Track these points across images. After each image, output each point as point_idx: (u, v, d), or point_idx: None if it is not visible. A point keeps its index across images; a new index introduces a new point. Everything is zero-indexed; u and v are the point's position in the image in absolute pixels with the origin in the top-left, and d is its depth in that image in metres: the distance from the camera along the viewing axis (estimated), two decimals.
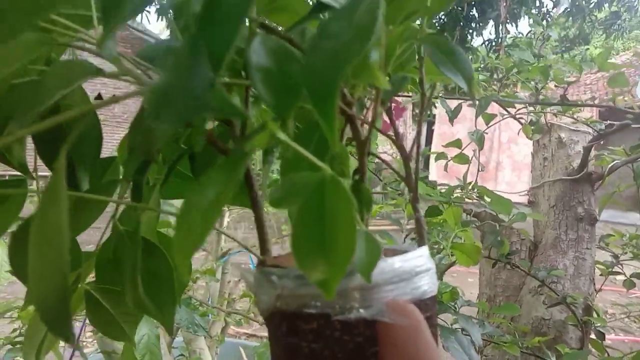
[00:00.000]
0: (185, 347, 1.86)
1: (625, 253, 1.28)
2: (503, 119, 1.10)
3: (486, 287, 1.14)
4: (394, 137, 0.40)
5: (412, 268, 0.35)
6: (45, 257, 0.26)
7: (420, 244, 0.39)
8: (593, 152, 1.13)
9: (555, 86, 1.05)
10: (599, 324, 1.01)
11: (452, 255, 0.67)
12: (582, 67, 0.95)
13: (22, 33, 0.27)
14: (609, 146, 1.19)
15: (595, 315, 1.05)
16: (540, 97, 1.08)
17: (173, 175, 0.48)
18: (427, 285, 0.36)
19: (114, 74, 0.39)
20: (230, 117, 0.19)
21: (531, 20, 7.37)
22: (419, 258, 0.36)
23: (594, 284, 1.15)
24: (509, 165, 4.77)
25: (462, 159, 1.09)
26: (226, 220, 1.93)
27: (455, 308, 0.64)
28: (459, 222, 0.71)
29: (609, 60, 0.99)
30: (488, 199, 0.99)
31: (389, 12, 0.31)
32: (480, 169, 1.01)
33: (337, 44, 0.22)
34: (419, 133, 0.39)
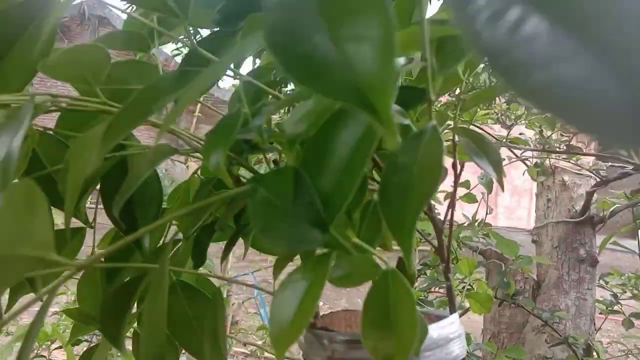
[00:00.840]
0: None
1: (625, 292, 1.33)
2: (510, 162, 1.16)
3: (490, 323, 1.18)
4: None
5: (447, 335, 0.40)
6: (151, 331, 0.31)
7: (452, 310, 0.44)
8: (595, 195, 1.18)
9: (561, 135, 1.12)
10: None
11: (464, 302, 0.71)
12: None
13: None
14: (611, 189, 1.24)
15: (595, 355, 1.10)
16: (546, 140, 1.14)
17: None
18: (459, 349, 0.40)
19: (186, 151, 0.44)
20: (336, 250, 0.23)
21: None
22: (452, 325, 0.41)
23: (594, 324, 1.20)
24: (508, 191, 4.81)
25: (470, 198, 1.14)
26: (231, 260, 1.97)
27: (468, 352, 0.68)
28: (473, 271, 0.76)
29: None
30: (494, 240, 1.03)
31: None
32: (488, 212, 1.06)
33: (410, 180, 0.26)
34: (452, 207, 0.44)
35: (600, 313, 1.27)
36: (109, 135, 0.32)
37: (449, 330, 0.40)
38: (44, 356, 1.18)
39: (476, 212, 1.07)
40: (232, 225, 0.51)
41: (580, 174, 1.24)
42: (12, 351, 1.29)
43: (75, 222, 0.53)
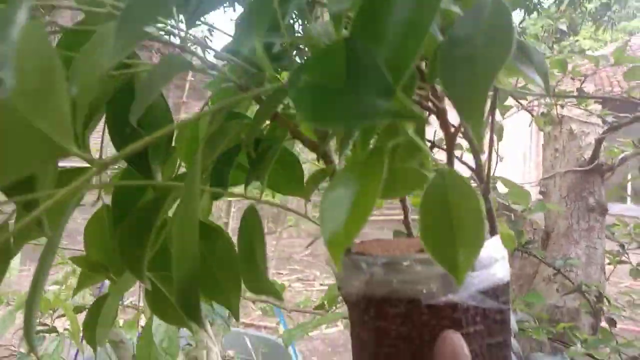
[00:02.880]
0: (192, 336, 1.88)
1: (631, 242, 1.32)
2: (518, 111, 1.13)
3: None
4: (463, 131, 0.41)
5: (490, 256, 0.37)
6: (183, 246, 0.28)
7: (493, 233, 0.41)
8: (603, 145, 1.16)
9: (572, 78, 1.08)
10: (611, 312, 1.05)
11: None
12: (599, 61, 0.97)
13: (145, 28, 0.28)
14: (619, 138, 1.22)
15: (606, 302, 1.09)
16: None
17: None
18: (503, 272, 0.38)
19: (200, 67, 0.40)
20: (407, 120, 0.20)
21: (522, 12, 7.44)
22: (495, 247, 0.38)
23: (605, 273, 1.19)
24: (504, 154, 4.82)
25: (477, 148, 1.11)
26: (232, 210, 1.94)
27: None
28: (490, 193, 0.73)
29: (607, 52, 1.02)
30: (505, 190, 1.01)
31: None
32: (499, 160, 1.03)
33: (476, 51, 0.23)
34: (492, 125, 0.41)
35: (609, 263, 1.26)
36: (123, 29, 0.28)
37: (492, 251, 0.37)
38: (47, 324, 1.16)
39: (488, 162, 1.03)
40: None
41: (588, 122, 1.22)
42: (15, 321, 1.26)
43: (78, 163, 0.49)
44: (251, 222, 0.36)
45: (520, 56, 0.38)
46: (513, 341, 0.64)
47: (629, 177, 1.18)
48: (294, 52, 0.35)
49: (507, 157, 1.31)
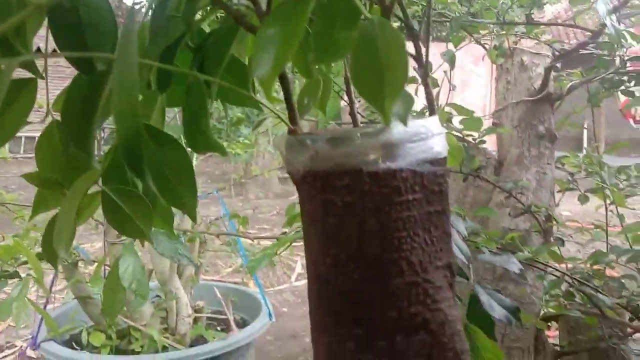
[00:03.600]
0: (161, 288, 1.90)
1: (580, 172, 1.39)
2: (470, 42, 1.15)
3: (455, 203, 1.21)
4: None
5: (429, 130, 0.39)
6: (123, 101, 0.29)
7: (431, 112, 0.43)
8: (553, 74, 1.20)
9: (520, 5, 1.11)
10: (559, 231, 1.12)
11: None
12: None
13: None
14: (568, 69, 1.27)
15: (555, 223, 1.15)
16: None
17: (174, 84, 0.49)
18: (440, 147, 0.40)
19: None
20: None
21: None
22: (432, 123, 0.40)
23: (554, 197, 1.25)
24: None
25: (431, 82, 1.13)
26: (194, 161, 1.93)
27: None
28: (443, 124, 0.76)
29: None
30: (459, 119, 1.04)
31: None
32: (451, 89, 1.06)
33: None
34: (428, 12, 0.43)
35: (559, 191, 1.33)
36: None
37: (430, 126, 0.39)
38: (7, 270, 1.15)
39: (438, 94, 1.07)
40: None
41: (538, 54, 1.25)
42: None
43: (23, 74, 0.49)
44: (195, 94, 0.37)
45: None
46: (462, 244, 0.68)
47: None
48: None
49: (470, 102, 1.34)
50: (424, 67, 0.42)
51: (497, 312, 0.60)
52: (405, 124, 0.33)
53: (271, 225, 5.20)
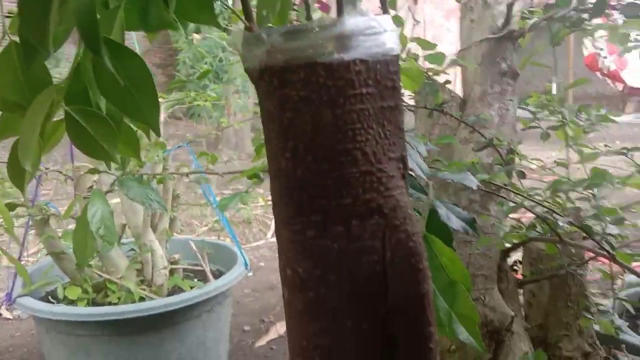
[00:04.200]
0: (135, 242, 1.90)
1: (542, 111, 1.43)
2: None
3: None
4: None
5: (381, 26, 0.41)
6: None
7: (384, 12, 0.45)
8: (515, 8, 1.22)
9: None
10: (521, 164, 1.16)
11: None
12: None
13: None
14: (532, 7, 1.28)
15: (517, 156, 1.19)
16: None
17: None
18: (393, 43, 0.42)
19: None
20: None
21: None
22: (385, 20, 0.41)
23: (516, 132, 1.29)
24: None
25: (397, 20, 1.14)
26: (163, 115, 1.91)
27: None
28: (404, 44, 0.77)
29: None
30: (423, 52, 1.06)
31: None
32: (415, 23, 1.07)
33: None
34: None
35: (522, 129, 1.37)
36: None
37: (383, 22, 0.41)
38: None
39: (402, 28, 1.07)
40: None
41: None
42: None
43: None
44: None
45: None
46: (421, 162, 0.70)
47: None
48: None
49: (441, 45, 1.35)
50: None
51: (454, 222, 0.63)
52: (355, 6, 0.34)
53: (245, 186, 5.19)
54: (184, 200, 2.20)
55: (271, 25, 0.48)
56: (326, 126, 0.39)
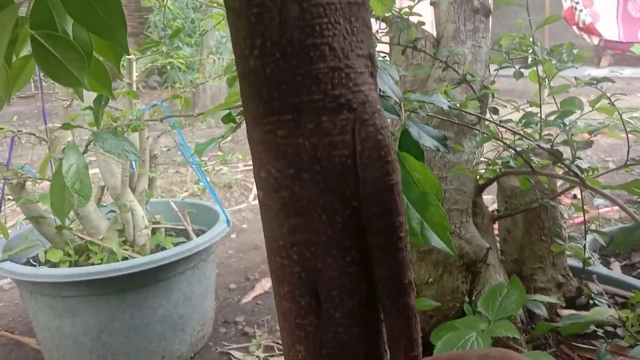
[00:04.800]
0: (115, 203, 1.89)
1: (516, 50, 1.44)
2: None
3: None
4: None
5: None
6: None
7: None
8: None
9: None
10: (493, 101, 1.18)
11: None
12: None
13: None
14: None
15: (490, 95, 1.21)
16: None
17: None
18: None
19: None
20: None
21: None
22: None
23: (489, 70, 1.30)
24: None
25: None
26: (135, 72, 1.87)
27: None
28: None
29: None
30: None
31: None
32: None
33: None
34: None
35: (495, 69, 1.38)
36: None
37: None
38: None
39: None
40: None
41: None
42: None
43: None
44: None
45: None
46: (393, 85, 0.71)
47: None
48: None
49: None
50: None
51: (426, 140, 0.64)
52: None
53: (225, 152, 5.17)
54: (162, 161, 2.18)
55: None
56: (294, 20, 0.39)
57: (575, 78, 1.16)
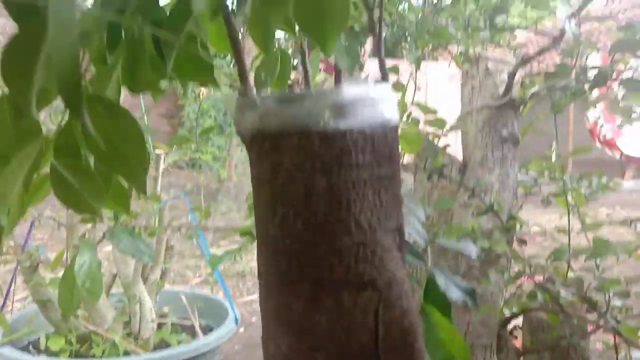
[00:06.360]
0: (124, 293, 1.85)
1: (544, 177, 1.42)
2: (437, 49, 1.18)
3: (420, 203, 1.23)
4: None
5: (380, 95, 0.40)
6: (61, 42, 0.28)
7: (384, 80, 0.44)
8: (517, 76, 1.24)
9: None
10: (521, 232, 1.14)
11: None
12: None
13: None
14: (531, 75, 1.30)
15: (518, 224, 1.17)
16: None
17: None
18: (391, 113, 0.41)
19: None
20: None
21: None
22: (384, 89, 0.41)
23: (517, 198, 1.28)
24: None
25: (398, 86, 1.16)
26: (163, 166, 1.90)
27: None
28: (404, 110, 0.77)
29: None
30: (424, 116, 1.06)
31: None
32: (417, 89, 1.08)
33: None
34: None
35: (524, 193, 1.36)
36: None
37: (381, 92, 0.40)
38: None
39: (404, 93, 1.08)
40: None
41: (504, 60, 1.29)
42: None
43: None
44: (137, 44, 0.37)
45: None
46: (419, 228, 0.68)
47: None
48: None
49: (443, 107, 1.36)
50: (378, 35, 0.43)
51: (454, 293, 0.60)
52: (350, 74, 0.33)
53: (240, 241, 5.15)
54: (178, 250, 2.16)
55: (269, 88, 0.48)
56: (320, 194, 0.37)
57: (607, 215, 1.12)
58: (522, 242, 1.12)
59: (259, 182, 0.39)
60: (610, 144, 7.08)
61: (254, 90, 0.38)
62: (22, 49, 0.34)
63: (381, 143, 0.40)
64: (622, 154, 7.15)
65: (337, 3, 0.26)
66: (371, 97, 0.39)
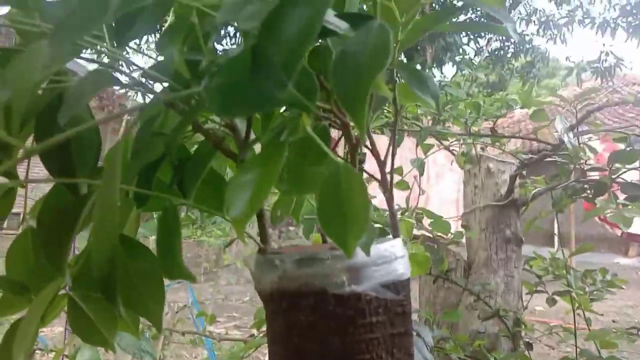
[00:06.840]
0: None
1: (548, 274, 1.42)
2: (439, 149, 1.22)
3: (426, 305, 1.22)
4: (370, 147, 0.46)
5: (393, 253, 0.42)
6: (103, 221, 0.30)
7: (395, 235, 0.46)
8: (518, 181, 1.27)
9: (485, 119, 1.19)
10: (527, 335, 1.12)
11: None
12: (510, 104, 1.09)
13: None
14: (532, 176, 1.34)
15: (523, 327, 1.16)
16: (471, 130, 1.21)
17: (153, 189, 0.52)
18: (403, 269, 0.42)
19: (130, 84, 0.43)
20: (298, 109, 0.24)
21: (454, 67, 7.99)
22: (397, 246, 0.43)
23: (522, 300, 1.27)
24: (437, 200, 5.02)
25: (402, 185, 1.18)
26: None
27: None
28: (411, 234, 0.79)
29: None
30: (428, 221, 1.08)
31: None
32: (420, 193, 1.11)
33: (361, 61, 0.27)
34: (393, 139, 0.46)
35: (527, 293, 1.35)
36: (56, 42, 0.31)
37: (395, 249, 0.42)
38: None
39: (409, 196, 1.11)
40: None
41: (504, 161, 1.33)
42: None
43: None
44: (171, 218, 0.39)
45: (416, 82, 0.44)
46: (428, 355, 0.69)
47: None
48: (215, 69, 0.39)
49: (443, 202, 1.39)
50: (389, 192, 0.45)
51: None
52: (367, 254, 0.35)
53: (241, 314, 5.05)
54: (175, 337, 2.12)
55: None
56: (333, 353, 0.38)
57: (613, 321, 1.11)
58: (529, 346, 1.11)
59: (274, 338, 0.40)
60: (610, 223, 7.06)
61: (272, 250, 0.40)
62: (64, 220, 0.36)
63: (394, 300, 0.41)
64: (622, 232, 7.13)
65: (357, 212, 0.28)
66: (385, 256, 0.41)
